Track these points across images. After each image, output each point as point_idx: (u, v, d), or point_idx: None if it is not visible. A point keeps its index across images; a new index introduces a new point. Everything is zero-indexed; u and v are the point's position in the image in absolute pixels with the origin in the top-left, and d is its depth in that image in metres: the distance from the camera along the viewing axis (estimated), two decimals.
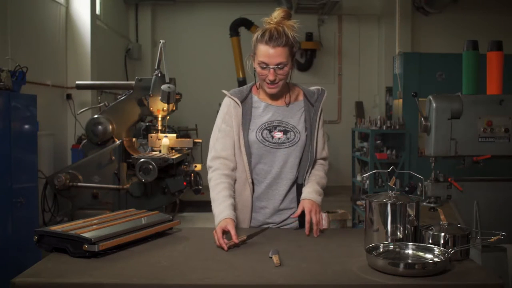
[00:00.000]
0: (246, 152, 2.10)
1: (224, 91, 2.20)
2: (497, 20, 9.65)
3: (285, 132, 2.12)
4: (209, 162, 2.14)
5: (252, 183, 2.13)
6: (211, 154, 2.15)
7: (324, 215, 5.90)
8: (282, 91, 2.15)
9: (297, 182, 2.17)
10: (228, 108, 2.15)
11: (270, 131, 2.11)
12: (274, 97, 2.16)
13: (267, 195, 2.15)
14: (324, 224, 5.86)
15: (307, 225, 2.03)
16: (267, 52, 1.99)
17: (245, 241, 1.89)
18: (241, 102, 2.14)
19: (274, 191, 2.15)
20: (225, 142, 2.12)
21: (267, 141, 2.10)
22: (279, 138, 2.11)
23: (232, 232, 1.85)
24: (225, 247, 1.81)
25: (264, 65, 2.02)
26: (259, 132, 2.11)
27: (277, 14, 2.05)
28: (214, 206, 2.03)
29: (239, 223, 2.13)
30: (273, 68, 2.01)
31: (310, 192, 2.11)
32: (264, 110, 2.15)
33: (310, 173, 2.20)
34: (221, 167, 2.10)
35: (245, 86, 2.21)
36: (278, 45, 1.99)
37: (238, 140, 2.12)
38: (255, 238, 1.95)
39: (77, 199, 4.22)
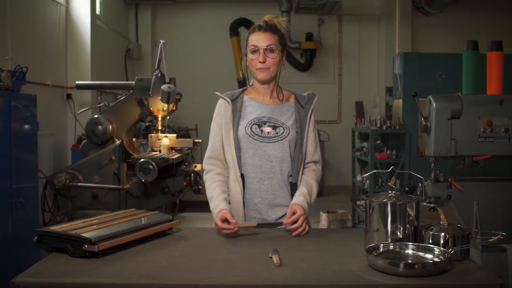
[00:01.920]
0: (235, 146, 2.15)
1: (217, 93, 2.29)
2: (497, 20, 9.66)
3: (274, 127, 2.17)
4: (203, 165, 2.26)
5: (242, 178, 2.15)
6: (206, 154, 2.25)
7: (324, 215, 5.91)
8: (272, 90, 2.24)
9: (291, 181, 2.18)
10: (219, 109, 2.24)
11: (260, 126, 2.17)
12: (265, 96, 2.23)
13: (260, 191, 2.15)
14: (324, 224, 5.87)
15: (295, 228, 2.01)
16: (257, 37, 2.15)
17: (255, 227, 2.01)
18: (232, 101, 2.22)
19: (266, 186, 2.15)
20: (214, 143, 2.23)
21: (256, 134, 2.15)
22: (268, 133, 2.16)
23: (229, 216, 1.99)
24: (233, 230, 1.95)
25: (254, 48, 2.14)
26: (248, 126, 2.16)
27: (268, 15, 2.20)
28: (211, 203, 2.14)
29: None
30: (262, 50, 2.12)
31: (302, 200, 2.12)
32: (254, 107, 2.21)
33: (303, 174, 2.22)
34: (213, 168, 2.22)
35: (236, 90, 2.32)
36: (267, 31, 2.15)
37: (227, 136, 2.17)
38: (255, 238, 1.95)
39: (77, 199, 4.22)
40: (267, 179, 2.15)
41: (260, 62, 2.13)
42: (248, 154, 2.15)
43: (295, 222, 2.02)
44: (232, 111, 2.19)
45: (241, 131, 2.15)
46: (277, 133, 2.16)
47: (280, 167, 2.15)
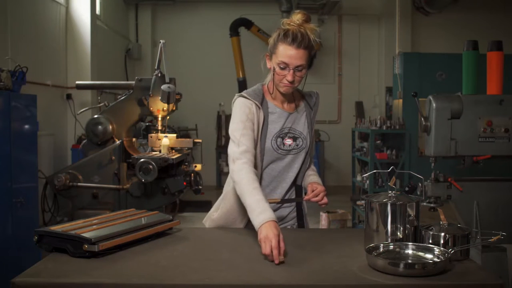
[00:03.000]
0: (261, 158, 2.11)
1: (244, 94, 2.12)
2: (497, 20, 9.66)
3: (294, 139, 2.15)
4: (238, 154, 1.99)
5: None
6: (241, 147, 2.00)
7: (324, 215, 5.91)
8: (290, 96, 2.18)
9: (296, 183, 2.20)
10: (250, 109, 2.07)
11: (282, 138, 2.13)
12: (284, 102, 2.17)
13: (268, 196, 2.15)
14: (324, 224, 5.86)
15: (314, 198, 2.11)
16: (289, 53, 1.97)
17: (278, 203, 2.14)
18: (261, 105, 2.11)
19: (275, 194, 2.17)
20: (251, 140, 2.03)
21: (280, 148, 2.13)
22: (289, 145, 2.14)
23: (282, 244, 1.67)
24: (278, 260, 1.62)
25: (284, 66, 1.99)
26: (274, 140, 2.12)
27: (299, 17, 2.02)
28: (254, 200, 1.86)
29: (233, 223, 2.17)
30: (293, 69, 1.99)
31: (318, 179, 2.22)
32: (278, 116, 2.15)
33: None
34: (250, 163, 1.99)
35: (256, 89, 2.15)
36: (301, 47, 1.96)
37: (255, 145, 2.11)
38: (255, 239, 1.95)
39: (77, 199, 4.22)
40: (280, 188, 2.17)
41: (288, 81, 2.02)
42: (270, 166, 2.14)
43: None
44: (263, 118, 2.09)
45: (268, 144, 2.10)
46: (297, 145, 2.14)
47: (290, 176, 2.17)
